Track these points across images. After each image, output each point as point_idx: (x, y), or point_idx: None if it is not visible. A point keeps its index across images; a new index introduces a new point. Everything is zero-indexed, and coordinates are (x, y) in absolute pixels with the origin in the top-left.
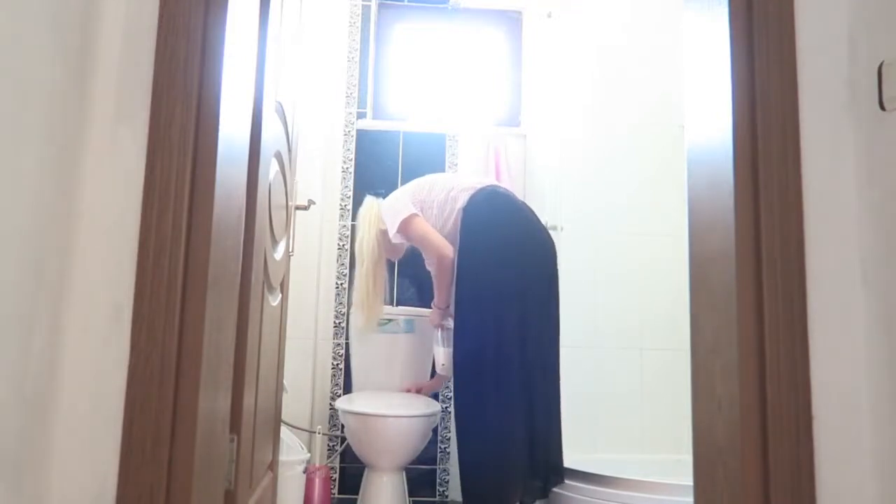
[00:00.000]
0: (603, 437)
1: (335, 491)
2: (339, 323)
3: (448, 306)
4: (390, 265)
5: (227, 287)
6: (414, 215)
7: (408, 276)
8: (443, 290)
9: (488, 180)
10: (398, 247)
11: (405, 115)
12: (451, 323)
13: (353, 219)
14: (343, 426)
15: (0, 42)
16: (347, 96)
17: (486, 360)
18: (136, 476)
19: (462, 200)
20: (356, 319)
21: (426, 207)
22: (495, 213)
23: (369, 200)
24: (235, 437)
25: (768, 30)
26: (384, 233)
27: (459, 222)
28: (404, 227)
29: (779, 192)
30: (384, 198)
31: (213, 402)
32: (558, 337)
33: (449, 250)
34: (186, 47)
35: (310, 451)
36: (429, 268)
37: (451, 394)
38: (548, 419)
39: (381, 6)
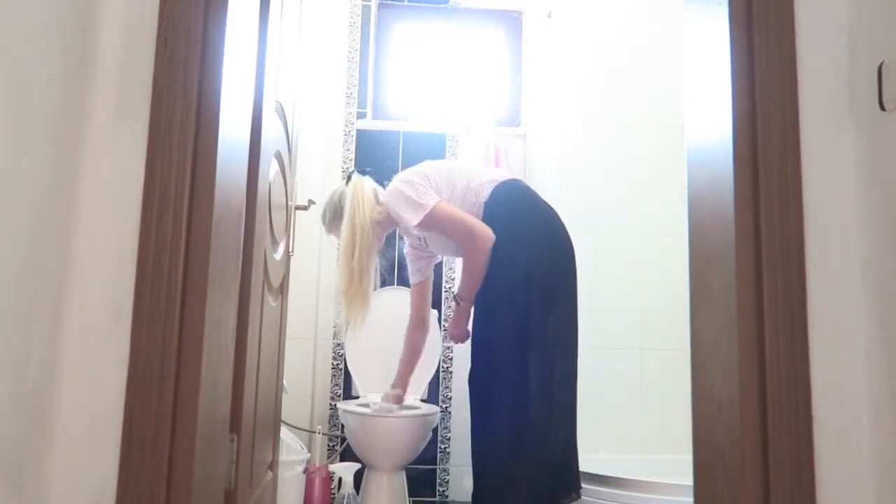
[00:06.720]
0: (603, 437)
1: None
2: (340, 323)
3: (473, 302)
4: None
5: (227, 287)
6: (439, 202)
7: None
8: (476, 279)
9: (508, 173)
10: (383, 236)
11: (405, 115)
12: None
13: None
14: (343, 426)
15: (0, 42)
16: (347, 96)
17: (503, 361)
18: (136, 476)
19: (485, 193)
20: (342, 311)
21: (445, 195)
22: (520, 208)
23: (357, 180)
24: (235, 437)
25: (768, 30)
26: (380, 223)
27: (482, 215)
28: (431, 218)
29: (778, 192)
30: (370, 177)
31: (213, 402)
32: (576, 340)
33: (489, 231)
34: (186, 47)
35: (310, 451)
36: (432, 250)
37: (451, 394)
38: (563, 424)
39: (381, 6)
